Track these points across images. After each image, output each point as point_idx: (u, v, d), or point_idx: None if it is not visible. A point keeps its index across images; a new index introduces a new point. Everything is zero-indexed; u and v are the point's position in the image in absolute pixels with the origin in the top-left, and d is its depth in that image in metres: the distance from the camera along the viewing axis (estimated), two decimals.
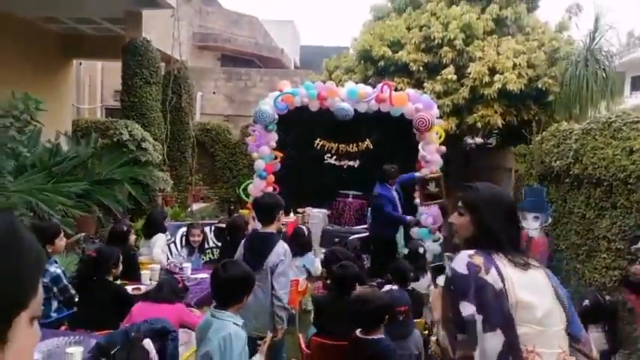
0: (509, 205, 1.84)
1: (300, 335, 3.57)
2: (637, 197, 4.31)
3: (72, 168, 5.71)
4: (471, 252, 1.68)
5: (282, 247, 3.30)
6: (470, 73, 7.78)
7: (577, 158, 5.50)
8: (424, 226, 7.03)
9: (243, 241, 3.47)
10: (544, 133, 6.61)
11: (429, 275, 4.55)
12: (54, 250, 3.57)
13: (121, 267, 3.39)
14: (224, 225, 6.20)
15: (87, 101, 13.81)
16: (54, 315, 3.44)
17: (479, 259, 1.63)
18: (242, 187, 8.23)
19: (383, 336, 2.71)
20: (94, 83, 13.96)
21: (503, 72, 7.53)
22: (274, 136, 7.97)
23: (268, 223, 3.37)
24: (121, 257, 3.39)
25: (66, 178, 5.39)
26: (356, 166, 7.89)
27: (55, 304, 3.48)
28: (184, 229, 5.55)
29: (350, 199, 7.25)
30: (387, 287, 3.90)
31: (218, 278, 2.41)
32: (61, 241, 3.67)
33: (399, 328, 2.98)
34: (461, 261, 1.65)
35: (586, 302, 2.87)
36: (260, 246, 3.31)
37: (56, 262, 3.57)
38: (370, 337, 2.68)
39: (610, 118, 5.00)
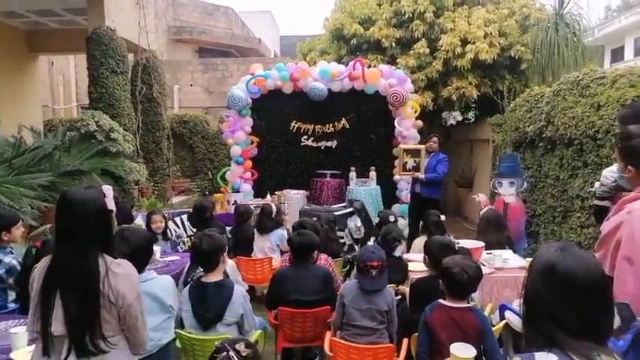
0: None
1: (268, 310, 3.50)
2: (606, 152, 4.26)
3: (37, 161, 5.55)
4: None
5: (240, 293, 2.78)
6: (442, 46, 7.68)
7: (549, 120, 5.45)
8: (405, 202, 7.01)
9: (187, 292, 2.78)
10: (517, 99, 6.55)
11: (402, 244, 4.49)
12: (9, 239, 3.48)
13: None
14: None
15: (62, 101, 13.56)
16: (11, 305, 3.32)
17: None
18: (219, 174, 8.11)
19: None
20: (67, 82, 13.70)
21: (474, 42, 7.43)
22: (249, 121, 7.84)
23: (212, 269, 2.78)
24: None
25: (29, 170, 5.24)
26: (333, 146, 7.78)
27: (12, 295, 3.36)
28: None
29: (328, 179, 7.15)
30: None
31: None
32: (18, 230, 3.57)
33: (371, 282, 2.90)
34: None
35: None
36: (214, 298, 2.71)
37: (12, 253, 3.46)
38: (466, 306, 2.50)
39: (578, 77, 4.95)
